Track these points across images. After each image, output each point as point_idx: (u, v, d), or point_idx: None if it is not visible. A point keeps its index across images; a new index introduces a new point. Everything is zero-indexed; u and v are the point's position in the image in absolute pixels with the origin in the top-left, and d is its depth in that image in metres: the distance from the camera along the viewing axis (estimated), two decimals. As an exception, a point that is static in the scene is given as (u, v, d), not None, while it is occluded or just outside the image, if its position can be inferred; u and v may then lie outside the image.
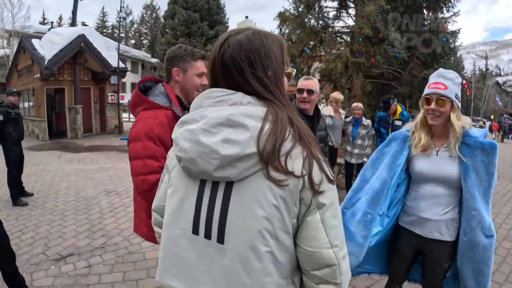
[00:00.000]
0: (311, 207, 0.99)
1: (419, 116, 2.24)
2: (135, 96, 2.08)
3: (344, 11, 11.08)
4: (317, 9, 10.91)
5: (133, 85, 43.15)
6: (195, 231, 1.03)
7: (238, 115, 0.97)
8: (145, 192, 1.90)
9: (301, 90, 3.10)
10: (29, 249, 4.23)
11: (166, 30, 33.70)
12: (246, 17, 53.56)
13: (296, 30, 10.12)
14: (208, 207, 1.01)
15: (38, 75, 14.51)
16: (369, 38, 8.69)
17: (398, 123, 6.07)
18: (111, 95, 17.00)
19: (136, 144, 1.94)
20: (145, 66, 46.73)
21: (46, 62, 13.87)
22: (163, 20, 36.74)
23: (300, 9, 10.25)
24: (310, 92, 3.06)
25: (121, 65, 17.51)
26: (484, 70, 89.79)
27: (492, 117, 48.88)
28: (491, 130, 31.74)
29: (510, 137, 32.32)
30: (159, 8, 69.84)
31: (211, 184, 1.01)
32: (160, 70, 33.35)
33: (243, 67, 1.03)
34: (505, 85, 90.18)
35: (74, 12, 18.73)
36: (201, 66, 2.16)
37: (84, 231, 4.81)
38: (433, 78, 2.17)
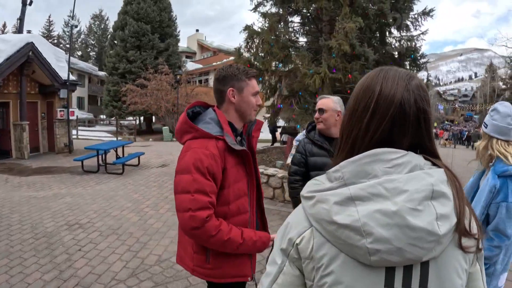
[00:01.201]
0: (473, 258, 0.92)
1: None
2: (183, 123, 1.93)
3: (312, 26, 10.99)
4: (282, 24, 10.75)
5: (79, 99, 41.15)
6: None
7: (438, 184, 0.84)
8: (193, 229, 1.77)
9: (315, 111, 3.10)
10: (-13, 309, 3.49)
11: (115, 41, 32.87)
12: (197, 30, 53.74)
13: (266, 44, 9.77)
14: None
15: (-20, 87, 13.08)
16: (344, 54, 8.56)
17: None
18: (60, 111, 15.73)
19: (184, 176, 1.81)
20: (92, 79, 44.92)
21: (-11, 72, 12.46)
22: (112, 31, 35.62)
23: (268, 24, 9.99)
24: (320, 111, 3.02)
25: (71, 77, 16.35)
26: (425, 80, 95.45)
27: (435, 124, 51.45)
28: (437, 136, 33.60)
29: (470, 146, 33.57)
30: (108, 19, 67.72)
31: (402, 269, 0.83)
32: (109, 84, 32.05)
33: (430, 117, 0.91)
34: (445, 94, 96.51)
35: (21, 19, 17.21)
36: (255, 84, 2.05)
37: (52, 279, 4.06)
38: None
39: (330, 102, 3.01)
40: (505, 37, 60.09)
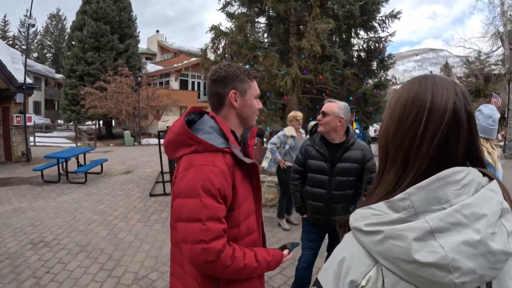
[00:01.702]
0: None
1: None
2: (180, 133, 1.59)
3: (280, 27, 10.94)
4: (250, 24, 10.61)
5: (35, 103, 39.32)
6: None
7: (503, 200, 0.82)
8: (207, 263, 1.48)
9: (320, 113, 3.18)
10: None
11: (73, 42, 31.77)
12: (157, 31, 52.64)
13: (234, 45, 9.58)
14: None
15: None
16: (314, 55, 8.52)
17: (357, 131, 6.38)
18: (16, 116, 14.74)
19: (190, 201, 1.49)
20: (49, 82, 43.16)
21: None
22: (70, 32, 34.37)
23: (238, 24, 9.83)
24: (323, 114, 3.08)
25: (28, 80, 15.43)
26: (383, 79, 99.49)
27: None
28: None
29: None
30: (65, 19, 64.66)
31: None
32: (67, 87, 30.79)
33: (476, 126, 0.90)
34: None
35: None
36: (257, 86, 1.81)
37: (19, 309, 3.71)
38: None
39: (334, 107, 3.07)
40: (462, 38, 62.72)
